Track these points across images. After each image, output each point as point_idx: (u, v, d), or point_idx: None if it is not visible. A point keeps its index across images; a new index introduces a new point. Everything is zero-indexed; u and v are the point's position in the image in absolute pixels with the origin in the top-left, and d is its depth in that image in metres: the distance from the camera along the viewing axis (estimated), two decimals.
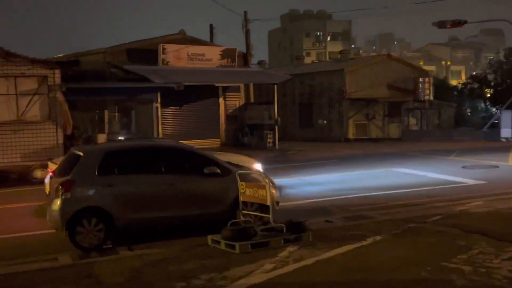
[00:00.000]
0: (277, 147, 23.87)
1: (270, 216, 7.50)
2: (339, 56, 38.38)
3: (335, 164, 18.02)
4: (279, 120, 24.67)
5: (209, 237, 7.45)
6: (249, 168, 11.07)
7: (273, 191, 8.34)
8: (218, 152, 12.71)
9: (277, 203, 8.69)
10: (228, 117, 24.89)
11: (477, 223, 8.17)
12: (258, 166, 12.33)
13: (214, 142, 23.68)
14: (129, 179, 7.95)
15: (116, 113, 20.83)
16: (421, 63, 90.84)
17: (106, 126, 20.30)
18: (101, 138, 18.44)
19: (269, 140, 23.91)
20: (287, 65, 52.97)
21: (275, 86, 24.59)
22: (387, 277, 5.83)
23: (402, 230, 7.93)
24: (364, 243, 7.22)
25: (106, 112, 20.57)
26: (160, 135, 20.31)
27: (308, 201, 11.23)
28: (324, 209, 10.26)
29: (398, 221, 8.49)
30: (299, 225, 7.53)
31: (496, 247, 6.79)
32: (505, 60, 46.66)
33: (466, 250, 6.68)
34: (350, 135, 31.15)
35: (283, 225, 7.45)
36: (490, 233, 7.45)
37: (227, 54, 24.29)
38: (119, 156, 8.26)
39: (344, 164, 17.85)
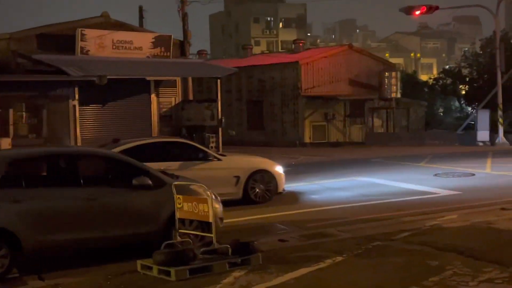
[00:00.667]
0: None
1: (212, 235, 7.49)
2: (293, 46, 38.83)
3: (289, 173, 18.17)
4: (223, 120, 24.66)
5: (139, 262, 7.36)
6: (269, 172, 12.91)
7: (216, 205, 8.33)
8: (229, 153, 13.92)
9: (221, 219, 8.70)
10: (162, 117, 24.65)
11: (451, 240, 8.44)
12: (279, 169, 13.38)
13: None
14: (39, 193, 7.76)
15: (24, 113, 20.26)
16: (387, 55, 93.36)
17: (11, 128, 19.71)
18: (5, 143, 17.89)
19: (211, 144, 23.86)
20: (233, 55, 53.19)
21: (218, 80, 24.58)
22: None
23: (365, 249, 8.09)
24: (322, 265, 7.33)
25: (11, 111, 19.96)
26: (78, 139, 19.90)
27: (257, 216, 11.28)
28: (277, 226, 10.34)
29: (362, 239, 8.67)
30: (247, 245, 7.55)
31: (472, 267, 7.03)
32: (481, 52, 48.38)
33: (438, 272, 6.88)
34: (307, 139, 31.56)
35: (228, 246, 7.45)
36: (466, 251, 7.71)
37: (161, 42, 24.07)
38: (27, 165, 8.04)
39: (301, 173, 18.04)
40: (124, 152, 11.83)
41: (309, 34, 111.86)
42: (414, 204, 12.13)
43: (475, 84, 46.24)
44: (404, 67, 74.59)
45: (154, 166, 10.73)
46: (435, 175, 16.75)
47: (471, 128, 32.35)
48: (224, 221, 8.95)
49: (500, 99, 30.29)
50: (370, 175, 16.80)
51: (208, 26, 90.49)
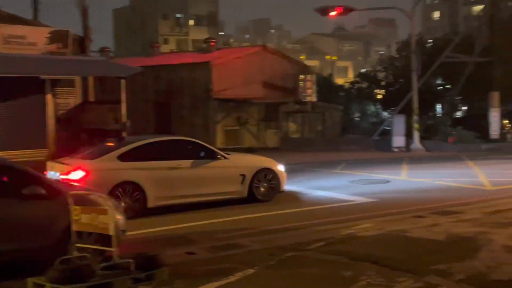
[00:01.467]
0: None
1: (113, 249, 7.31)
2: (204, 45, 38.81)
3: None
4: (128, 124, 24.24)
5: (30, 280, 7.07)
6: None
7: (118, 216, 8.16)
8: (230, 153, 14.99)
9: (123, 231, 8.52)
10: (59, 120, 23.92)
11: (366, 249, 8.69)
12: (281, 168, 14.68)
13: (39, 154, 22.59)
14: None
15: None
16: (303, 57, 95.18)
17: None
18: None
19: None
20: (139, 54, 52.44)
21: (122, 80, 24.15)
22: None
23: (278, 260, 8.17)
24: (231, 279, 7.33)
25: None
26: None
27: (163, 228, 11.15)
28: (184, 237, 10.26)
29: (274, 250, 8.75)
30: (152, 259, 7.43)
31: (387, 277, 7.25)
32: (397, 56, 50.34)
33: (352, 282, 7.06)
34: (219, 144, 31.57)
35: (131, 260, 7.30)
36: (381, 261, 7.95)
37: (57, 37, 23.37)
38: None
39: None
40: (133, 150, 13.39)
41: (221, 33, 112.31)
42: (329, 212, 12.40)
43: (391, 88, 48.01)
44: (320, 70, 76.33)
45: (164, 164, 13.27)
46: (351, 181, 17.21)
47: (387, 134, 33.51)
48: (140, 231, 8.78)
49: (415, 104, 31.61)
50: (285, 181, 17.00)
51: (112, 21, 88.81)
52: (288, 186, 14.99)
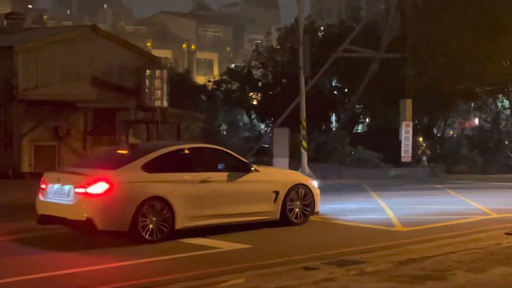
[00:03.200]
0: None
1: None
2: (5, 23, 37.78)
3: None
4: None
5: None
6: None
7: None
8: (263, 166, 18.14)
9: None
10: None
11: None
12: (315, 184, 17.44)
13: None
14: None
15: None
16: (149, 44, 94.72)
17: None
18: None
19: None
20: None
21: None
22: None
23: None
24: None
25: None
26: None
27: None
28: None
29: None
30: None
31: None
32: (279, 47, 51.20)
33: None
34: (26, 167, 30.61)
35: None
36: None
37: None
38: None
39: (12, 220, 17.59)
40: (157, 159, 15.36)
41: (30, 6, 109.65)
42: (186, 264, 12.35)
43: (271, 92, 48.67)
44: (174, 63, 76.22)
45: (195, 176, 15.37)
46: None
47: (266, 154, 33.94)
48: None
49: (303, 114, 31.59)
50: None
51: None
52: None
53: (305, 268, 11.58)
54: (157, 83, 33.80)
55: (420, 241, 14.40)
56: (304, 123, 31.59)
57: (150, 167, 14.91)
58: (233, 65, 62.30)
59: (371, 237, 15.11)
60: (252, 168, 16.25)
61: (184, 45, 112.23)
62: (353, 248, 13.48)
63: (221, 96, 50.88)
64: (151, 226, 14.27)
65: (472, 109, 52.61)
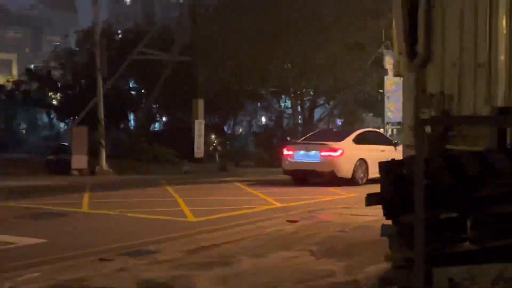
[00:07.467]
0: None
1: None
2: None
3: None
4: None
5: None
6: None
7: None
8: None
9: None
10: None
11: None
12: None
13: None
14: None
15: None
16: None
17: None
18: None
19: None
20: None
21: None
22: None
23: None
24: None
25: None
26: None
27: None
28: None
29: None
30: None
31: None
32: (78, 49, 50.72)
33: None
34: None
35: None
36: None
37: None
38: None
39: None
40: (358, 135, 26.51)
41: None
42: None
43: (70, 92, 48.10)
44: None
45: (378, 148, 25.80)
46: (15, 216, 16.82)
47: (66, 152, 33.47)
48: None
49: (101, 113, 31.97)
50: None
51: None
52: None
53: (101, 259, 11.47)
54: None
55: (210, 230, 14.48)
56: (102, 122, 31.91)
57: (356, 141, 25.95)
58: (32, 66, 60.42)
59: (164, 228, 15.12)
60: (394, 143, 26.26)
61: None
62: (147, 239, 13.49)
63: (20, 96, 49.64)
64: (361, 175, 25.22)
65: (259, 108, 54.03)
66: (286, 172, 26.75)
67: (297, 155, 25.97)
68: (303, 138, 29.95)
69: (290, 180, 26.57)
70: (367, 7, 39.84)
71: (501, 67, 8.11)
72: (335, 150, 24.77)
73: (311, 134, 29.47)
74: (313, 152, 25.22)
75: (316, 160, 25.20)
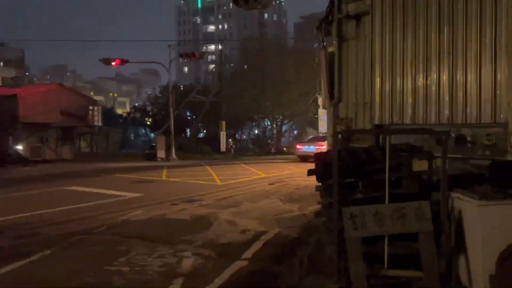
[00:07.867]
0: None
1: None
2: (12, 81, 34.97)
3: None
4: None
5: None
6: None
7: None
8: None
9: None
10: None
11: (136, 229, 8.53)
12: None
13: None
14: None
15: None
16: (92, 93, 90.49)
17: None
18: None
19: None
20: None
21: None
22: (55, 285, 5.52)
23: (69, 242, 7.63)
24: (33, 258, 6.66)
25: None
26: None
27: None
28: None
29: (67, 235, 8.14)
30: None
31: (150, 248, 7.21)
32: (160, 95, 50.84)
33: (125, 254, 6.89)
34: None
35: None
36: (146, 237, 7.87)
37: None
38: None
39: (16, 185, 16.13)
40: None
41: (27, 73, 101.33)
42: (111, 205, 11.87)
43: (156, 117, 48.22)
44: (104, 103, 73.30)
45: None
46: (128, 182, 16.74)
47: (154, 148, 33.44)
48: None
49: (172, 128, 32.27)
50: (77, 184, 15.93)
51: None
52: (80, 187, 14.00)
53: (172, 204, 11.48)
54: (95, 113, 32.73)
55: (228, 189, 14.49)
56: (173, 133, 31.93)
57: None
58: (136, 104, 60.26)
59: (204, 188, 15.01)
60: None
61: (110, 94, 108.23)
62: (196, 194, 13.40)
63: (130, 120, 49.97)
64: None
65: (254, 125, 53.87)
66: (298, 156, 26.04)
67: (304, 148, 25.70)
68: (306, 140, 29.32)
69: (272, 162, 26.40)
70: (311, 71, 39.80)
71: (377, 103, 8.08)
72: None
73: (310, 138, 28.88)
74: (312, 146, 24.76)
75: (313, 150, 23.91)
